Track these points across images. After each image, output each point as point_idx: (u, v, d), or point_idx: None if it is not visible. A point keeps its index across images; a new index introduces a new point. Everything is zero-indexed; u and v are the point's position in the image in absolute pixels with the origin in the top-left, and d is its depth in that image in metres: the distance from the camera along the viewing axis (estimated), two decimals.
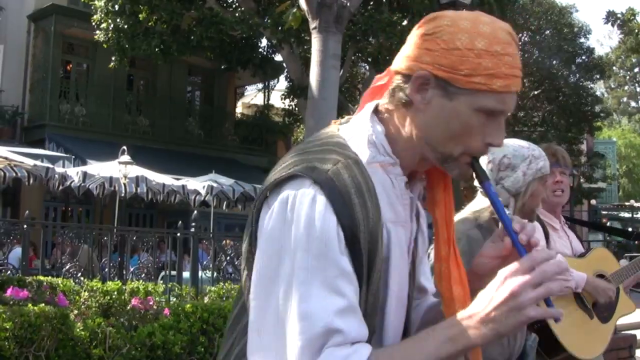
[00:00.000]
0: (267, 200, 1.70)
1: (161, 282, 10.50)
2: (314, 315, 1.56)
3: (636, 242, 29.94)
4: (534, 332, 4.12)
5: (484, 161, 3.43)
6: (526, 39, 34.83)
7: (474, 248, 2.90)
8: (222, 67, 25.94)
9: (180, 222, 10.58)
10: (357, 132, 1.80)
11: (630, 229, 28.20)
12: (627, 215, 46.30)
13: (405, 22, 20.16)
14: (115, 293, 6.84)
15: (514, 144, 3.45)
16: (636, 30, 29.24)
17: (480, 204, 3.39)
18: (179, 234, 10.38)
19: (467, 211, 3.41)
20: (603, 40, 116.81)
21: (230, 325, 1.88)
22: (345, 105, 22.51)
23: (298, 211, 1.62)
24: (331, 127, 1.88)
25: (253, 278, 1.68)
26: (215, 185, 20.40)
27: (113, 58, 21.27)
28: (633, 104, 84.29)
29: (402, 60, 1.79)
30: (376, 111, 1.84)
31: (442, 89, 1.71)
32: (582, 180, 35.79)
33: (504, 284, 1.59)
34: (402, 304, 1.84)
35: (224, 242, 12.88)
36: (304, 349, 1.56)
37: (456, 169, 1.79)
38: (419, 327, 1.94)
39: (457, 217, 3.27)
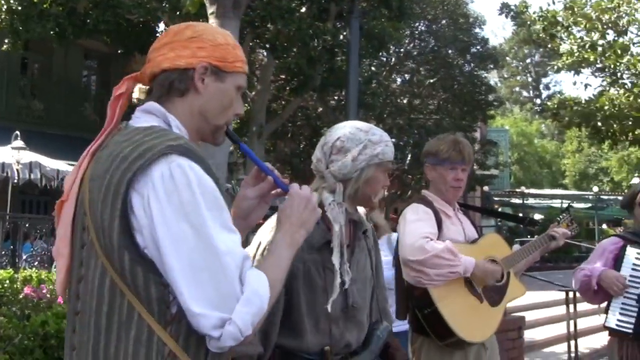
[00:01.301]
0: (135, 188, 2.03)
1: (55, 270, 10.31)
2: (232, 249, 2.02)
3: (528, 227, 30.75)
4: (424, 317, 4.22)
5: (319, 145, 3.35)
6: (423, 27, 35.29)
7: None
8: (119, 51, 25.54)
9: None
10: (159, 123, 2.25)
11: (521, 215, 28.94)
12: (518, 201, 47.54)
13: (303, 9, 20.24)
14: (7, 282, 6.72)
15: (352, 127, 3.30)
16: (528, 22, 29.95)
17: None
18: None
19: None
20: (497, 31, 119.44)
21: (105, 323, 2.06)
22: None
23: (182, 178, 2.03)
24: (131, 129, 2.24)
25: (160, 248, 1.99)
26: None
27: (6, 40, 20.66)
28: (525, 93, 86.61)
29: (173, 59, 2.28)
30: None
31: (215, 74, 2.29)
32: (475, 167, 36.53)
33: (297, 197, 2.35)
34: None
35: None
36: (235, 277, 2.01)
37: (221, 136, 2.39)
38: None
39: None
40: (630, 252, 5.19)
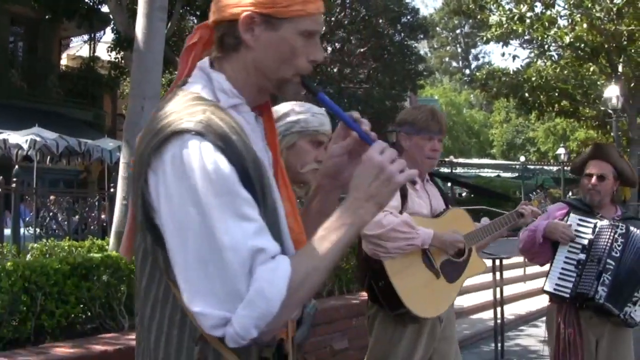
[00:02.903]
0: (151, 167, 1.86)
1: None
2: (237, 243, 1.77)
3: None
4: (379, 290, 4.22)
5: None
6: None
7: None
8: (47, 17, 25.00)
9: (1, 177, 10.24)
10: (204, 86, 2.02)
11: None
12: (446, 170, 47.97)
13: None
14: None
15: (288, 102, 3.31)
16: None
17: None
18: None
19: None
20: (428, 2, 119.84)
21: (142, 295, 2.00)
22: (173, 58, 22.22)
23: (190, 163, 1.79)
24: (177, 92, 2.04)
25: (166, 236, 1.84)
26: (38, 139, 19.72)
27: None
28: (454, 64, 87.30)
29: (220, 10, 2.03)
30: (211, 64, 2.08)
31: (267, 23, 1.98)
32: None
33: (369, 165, 1.94)
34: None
35: (50, 197, 12.55)
36: (238, 274, 1.77)
37: (292, 89, 2.08)
38: None
39: None
40: (573, 218, 5.29)
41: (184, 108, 1.91)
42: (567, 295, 5.15)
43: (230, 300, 1.77)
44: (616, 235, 5.11)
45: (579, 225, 5.25)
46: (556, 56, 31.11)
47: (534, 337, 12.11)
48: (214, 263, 1.77)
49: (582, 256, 5.15)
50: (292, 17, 1.98)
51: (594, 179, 5.27)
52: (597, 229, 5.18)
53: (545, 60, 31.02)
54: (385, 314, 4.34)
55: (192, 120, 1.84)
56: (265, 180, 1.94)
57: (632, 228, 5.16)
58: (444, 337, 4.51)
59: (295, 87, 2.08)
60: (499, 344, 9.92)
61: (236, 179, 1.82)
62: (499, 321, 9.90)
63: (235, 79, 2.04)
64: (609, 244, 5.10)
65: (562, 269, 5.19)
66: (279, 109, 3.26)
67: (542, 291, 5.43)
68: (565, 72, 30.25)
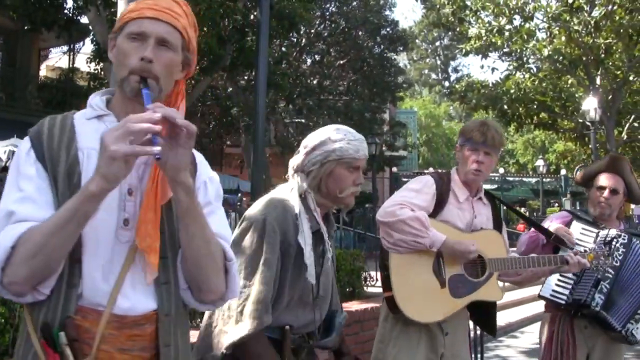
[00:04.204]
0: None
1: None
2: (2, 206, 2.23)
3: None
4: (382, 279, 4.30)
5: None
6: (333, 9, 35.37)
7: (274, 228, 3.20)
8: (26, 27, 24.84)
9: None
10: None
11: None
12: None
13: None
14: None
15: (325, 129, 3.45)
16: (438, 6, 30.30)
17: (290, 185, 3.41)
18: None
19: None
20: (407, 14, 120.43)
21: None
22: None
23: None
24: None
25: None
26: (16, 150, 19.52)
27: None
28: (434, 76, 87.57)
29: None
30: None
31: (115, 39, 2.41)
32: (384, 148, 36.81)
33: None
34: (112, 214, 2.31)
35: None
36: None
37: (128, 86, 2.32)
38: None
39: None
40: (575, 226, 5.24)
41: None
42: (563, 302, 5.10)
43: None
44: (617, 245, 5.05)
45: (581, 233, 5.18)
46: (535, 69, 31.28)
47: (513, 347, 12.15)
48: None
49: None
50: (122, 26, 2.38)
51: (606, 192, 5.21)
52: (598, 238, 5.11)
53: (524, 73, 31.17)
54: (388, 312, 4.36)
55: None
56: (61, 166, 2.29)
57: (634, 239, 5.11)
58: (452, 355, 4.44)
59: (132, 85, 2.32)
60: (479, 355, 9.92)
61: (30, 160, 2.31)
62: (478, 332, 9.89)
63: (115, 97, 2.47)
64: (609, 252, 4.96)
65: (561, 275, 5.10)
66: (316, 137, 3.40)
67: (538, 297, 5.38)
68: (544, 84, 30.42)
